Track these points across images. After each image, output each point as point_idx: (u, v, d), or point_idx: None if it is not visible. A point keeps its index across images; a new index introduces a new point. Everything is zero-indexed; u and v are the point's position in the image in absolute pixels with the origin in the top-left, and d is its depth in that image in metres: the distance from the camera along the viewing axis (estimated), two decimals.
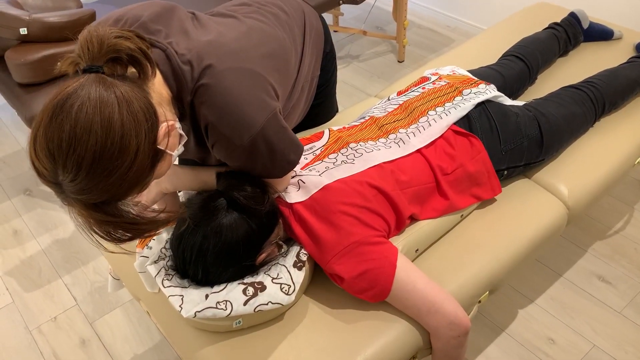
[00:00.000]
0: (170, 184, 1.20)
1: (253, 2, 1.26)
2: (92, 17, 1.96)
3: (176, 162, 1.53)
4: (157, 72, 0.98)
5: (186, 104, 1.02)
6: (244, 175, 1.11)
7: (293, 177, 1.22)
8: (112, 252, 1.22)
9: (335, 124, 1.61)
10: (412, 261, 1.28)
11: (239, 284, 1.09)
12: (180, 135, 1.00)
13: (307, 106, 1.42)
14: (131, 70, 0.92)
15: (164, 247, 1.18)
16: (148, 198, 1.20)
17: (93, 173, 0.82)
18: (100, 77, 0.85)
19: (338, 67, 3.01)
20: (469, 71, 1.62)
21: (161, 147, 0.91)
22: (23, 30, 1.86)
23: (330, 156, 1.27)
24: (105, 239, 0.91)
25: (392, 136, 1.33)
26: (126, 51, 0.88)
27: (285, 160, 1.10)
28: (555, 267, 1.86)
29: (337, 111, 1.65)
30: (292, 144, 1.10)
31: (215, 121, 1.00)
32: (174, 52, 0.99)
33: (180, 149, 1.02)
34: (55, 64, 1.89)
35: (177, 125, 0.99)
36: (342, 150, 1.28)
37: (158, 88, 0.96)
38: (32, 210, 2.24)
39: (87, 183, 0.83)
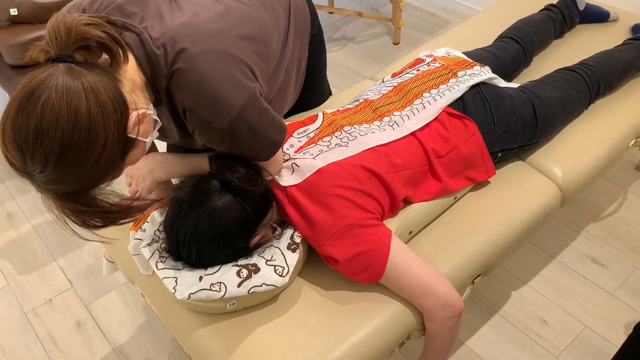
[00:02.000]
0: (163, 172, 1.19)
1: None
2: None
3: (164, 149, 1.52)
4: (131, 58, 0.96)
5: (162, 90, 1.00)
6: (237, 157, 1.10)
7: (287, 160, 1.22)
8: (88, 240, 1.21)
9: (330, 106, 1.60)
10: (406, 243, 1.29)
11: (232, 266, 1.09)
12: (155, 120, 1.00)
13: (297, 89, 1.41)
14: (104, 56, 0.91)
15: (158, 230, 1.18)
16: (143, 187, 1.19)
17: (62, 165, 0.82)
18: (68, 67, 0.83)
19: (333, 49, 2.99)
20: (464, 53, 1.62)
21: (132, 135, 0.91)
22: (13, 11, 1.84)
23: (324, 139, 1.26)
24: (81, 227, 0.91)
25: (386, 119, 1.33)
26: (95, 39, 0.86)
27: (269, 142, 1.08)
28: (548, 249, 1.87)
29: (329, 94, 1.64)
30: (275, 124, 1.08)
31: (193, 106, 0.99)
32: (148, 36, 0.97)
33: (154, 134, 1.01)
34: None
35: (150, 111, 0.98)
36: (337, 134, 1.27)
37: (131, 74, 0.95)
38: (26, 193, 2.23)
39: (57, 174, 0.83)
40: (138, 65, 0.97)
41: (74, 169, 0.83)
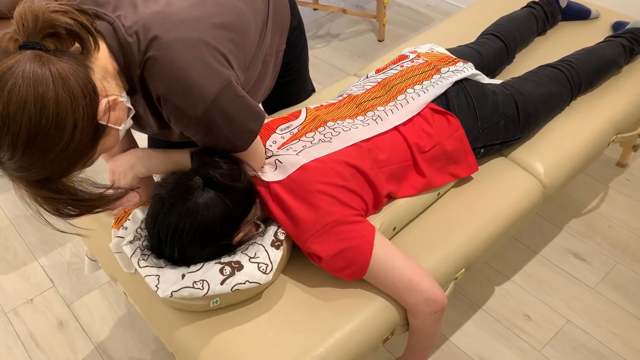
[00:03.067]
0: (144, 167, 1.18)
1: None
2: None
3: (145, 146, 1.50)
4: (103, 46, 0.95)
5: (136, 78, 1.00)
6: (219, 152, 1.09)
7: (270, 156, 1.21)
8: (62, 232, 1.20)
9: (313, 102, 1.60)
10: (390, 239, 1.29)
11: (216, 263, 1.08)
12: (129, 108, 0.99)
13: (273, 81, 1.40)
14: (76, 45, 0.90)
15: (140, 227, 1.17)
16: (125, 183, 1.18)
17: (30, 150, 0.82)
18: (36, 53, 0.82)
19: (317, 46, 2.98)
20: (448, 50, 1.62)
21: (103, 122, 0.90)
22: None
23: (307, 135, 1.26)
24: (55, 216, 0.90)
25: (369, 114, 1.33)
26: (63, 26, 0.85)
27: (245, 130, 1.07)
28: (531, 244, 1.89)
29: (312, 91, 1.64)
30: (251, 112, 1.07)
31: (166, 94, 0.98)
32: (121, 24, 0.97)
33: (128, 122, 1.00)
34: None
35: (123, 99, 0.97)
36: (320, 129, 1.27)
37: (103, 62, 0.94)
38: (7, 192, 2.20)
39: (25, 161, 0.83)
40: (111, 54, 0.96)
41: (43, 155, 0.83)
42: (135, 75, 0.99)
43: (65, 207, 0.90)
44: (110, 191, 0.95)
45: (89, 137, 0.87)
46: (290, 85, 1.49)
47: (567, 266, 1.82)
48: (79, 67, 0.86)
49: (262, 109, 1.13)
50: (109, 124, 0.92)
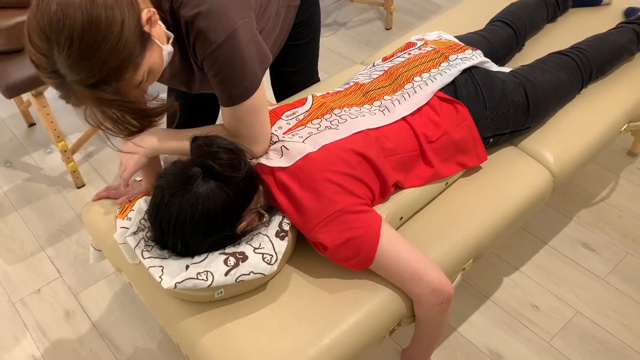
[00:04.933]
0: (152, 144, 1.18)
1: None
2: None
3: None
4: None
5: (166, 12, 1.05)
6: (219, 140, 1.08)
7: (275, 142, 1.20)
8: (120, 151, 1.20)
9: (320, 90, 1.58)
10: (396, 229, 1.27)
11: (220, 254, 1.07)
12: (167, 35, 1.05)
13: (283, 36, 1.43)
14: None
15: (143, 218, 1.16)
16: (132, 162, 1.18)
17: (85, 44, 0.86)
18: None
19: (325, 34, 2.95)
20: (456, 37, 1.59)
21: (146, 30, 0.96)
22: None
23: (313, 121, 1.24)
24: (118, 134, 0.96)
25: (376, 103, 1.31)
26: None
27: (254, 72, 1.11)
28: (540, 234, 1.87)
29: (317, 80, 1.65)
30: (262, 54, 1.12)
31: (194, 17, 1.03)
32: None
33: (169, 47, 1.04)
34: None
35: (160, 22, 1.02)
36: (326, 116, 1.25)
37: None
38: (13, 182, 2.20)
39: (82, 57, 0.87)
40: None
41: (97, 48, 0.87)
42: (165, 9, 1.05)
43: (123, 117, 0.94)
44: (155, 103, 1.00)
45: (136, 39, 0.92)
46: (300, 49, 1.51)
47: (576, 256, 1.80)
48: None
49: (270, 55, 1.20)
50: (153, 37, 0.98)
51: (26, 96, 2.40)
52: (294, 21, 1.44)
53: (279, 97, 1.64)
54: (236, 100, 1.12)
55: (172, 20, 1.07)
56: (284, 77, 1.57)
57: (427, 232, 1.27)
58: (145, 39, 0.95)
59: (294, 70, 1.55)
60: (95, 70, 0.88)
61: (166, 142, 1.19)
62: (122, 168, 1.22)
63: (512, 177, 1.39)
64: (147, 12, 0.96)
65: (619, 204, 1.95)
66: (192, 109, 1.58)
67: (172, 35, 1.06)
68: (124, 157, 1.21)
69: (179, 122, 1.59)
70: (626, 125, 1.58)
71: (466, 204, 1.32)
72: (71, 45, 0.86)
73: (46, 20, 0.86)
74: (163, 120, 1.04)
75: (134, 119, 0.96)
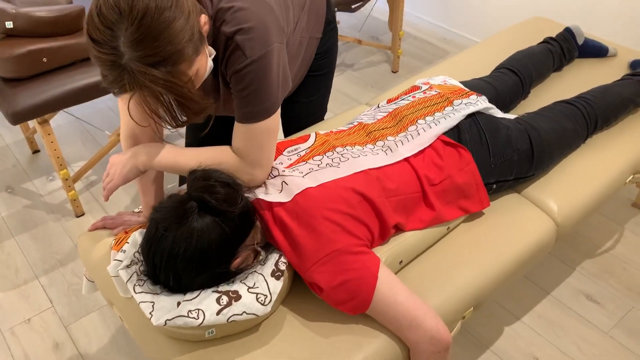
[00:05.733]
0: (146, 155, 1.17)
1: None
2: (80, 13, 1.92)
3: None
4: None
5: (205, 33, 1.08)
6: (217, 173, 1.07)
7: (275, 176, 1.19)
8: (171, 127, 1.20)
9: (323, 128, 1.58)
10: (396, 273, 1.24)
11: (213, 291, 1.04)
12: (209, 51, 1.08)
13: (305, 66, 1.47)
14: None
15: (137, 251, 1.14)
16: (120, 173, 1.17)
17: (155, 23, 0.90)
18: None
19: None
20: (462, 82, 1.60)
21: (204, 33, 1.01)
22: (9, 24, 1.82)
23: (315, 158, 1.23)
24: (170, 123, 1.00)
25: (379, 143, 1.30)
26: None
27: (276, 95, 1.14)
28: (543, 284, 1.83)
29: (325, 111, 1.68)
30: (286, 79, 1.18)
31: (234, 32, 1.07)
32: None
33: (210, 62, 1.07)
34: (41, 59, 1.85)
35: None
36: (328, 154, 1.24)
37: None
38: (13, 208, 2.19)
39: (147, 35, 0.89)
40: None
41: (164, 30, 0.91)
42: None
43: (170, 108, 0.97)
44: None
45: (195, 34, 0.96)
46: (315, 81, 1.53)
47: (579, 308, 1.75)
48: None
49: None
50: (205, 41, 1.02)
51: (32, 123, 2.41)
52: (315, 52, 1.47)
53: (286, 128, 1.64)
54: (256, 117, 1.14)
55: (211, 38, 1.10)
56: (295, 106, 1.57)
57: (427, 277, 1.24)
58: (201, 39, 1.00)
59: (306, 101, 1.56)
60: (157, 50, 0.91)
61: (162, 158, 1.18)
62: (109, 178, 1.19)
63: (515, 225, 1.36)
64: (204, 17, 1.01)
65: (624, 255, 1.91)
66: (202, 141, 1.58)
67: (214, 52, 1.09)
68: (112, 167, 1.19)
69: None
70: (631, 176, 1.56)
71: (468, 250, 1.30)
72: (141, 21, 0.89)
73: None
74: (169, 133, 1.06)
75: (183, 106, 0.98)
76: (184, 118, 1.02)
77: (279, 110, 1.18)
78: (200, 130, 1.56)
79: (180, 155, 1.18)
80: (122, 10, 0.89)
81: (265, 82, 1.11)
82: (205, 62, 1.04)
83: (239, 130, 1.16)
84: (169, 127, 1.03)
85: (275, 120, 1.17)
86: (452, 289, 1.22)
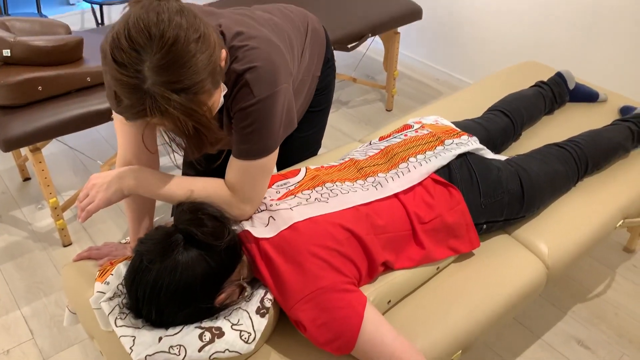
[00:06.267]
0: (134, 179, 1.13)
1: (257, 7, 1.36)
2: (79, 44, 1.94)
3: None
4: None
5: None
6: (204, 206, 1.06)
7: (262, 210, 1.18)
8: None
9: (314, 163, 1.58)
10: (384, 313, 1.22)
11: (195, 327, 1.02)
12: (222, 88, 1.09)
13: (306, 103, 1.49)
14: None
15: (121, 284, 1.11)
16: (102, 196, 1.12)
17: (183, 50, 0.91)
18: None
19: None
20: (453, 123, 1.61)
21: (223, 66, 1.02)
22: (6, 52, 1.83)
23: (304, 192, 1.23)
24: (194, 149, 1.02)
25: (370, 179, 1.30)
26: None
27: (278, 134, 1.15)
28: (533, 327, 1.81)
29: (320, 146, 1.68)
30: (290, 118, 1.20)
31: (245, 69, 1.08)
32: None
33: (221, 100, 1.07)
34: (37, 87, 1.85)
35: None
36: (317, 188, 1.24)
37: None
38: None
39: (174, 62, 0.90)
40: None
41: (191, 58, 0.92)
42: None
43: (190, 132, 0.97)
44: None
45: (217, 68, 0.98)
46: (312, 116, 1.54)
47: (570, 354, 1.73)
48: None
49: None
50: (223, 78, 1.04)
51: (24, 150, 2.41)
52: (315, 89, 1.49)
53: (280, 161, 1.63)
54: (254, 155, 1.14)
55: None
56: (291, 140, 1.57)
57: (415, 318, 1.22)
58: (220, 73, 1.01)
59: (302, 135, 1.56)
60: (181, 77, 0.92)
61: (151, 184, 1.15)
62: (88, 199, 1.12)
63: (505, 266, 1.35)
64: (225, 52, 1.03)
65: (615, 301, 1.90)
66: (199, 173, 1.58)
67: (226, 89, 1.09)
68: (94, 188, 1.13)
69: None
70: (621, 221, 1.56)
71: (457, 291, 1.28)
72: (171, 48, 0.90)
73: (152, 19, 0.90)
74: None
75: (200, 135, 0.99)
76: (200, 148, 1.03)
77: (277, 149, 1.18)
78: (199, 164, 1.56)
79: (169, 183, 1.16)
80: (152, 35, 0.90)
81: (268, 122, 1.12)
82: (219, 96, 1.04)
83: (235, 165, 1.16)
84: (187, 157, 1.04)
85: (272, 159, 1.17)
86: (441, 331, 1.20)
